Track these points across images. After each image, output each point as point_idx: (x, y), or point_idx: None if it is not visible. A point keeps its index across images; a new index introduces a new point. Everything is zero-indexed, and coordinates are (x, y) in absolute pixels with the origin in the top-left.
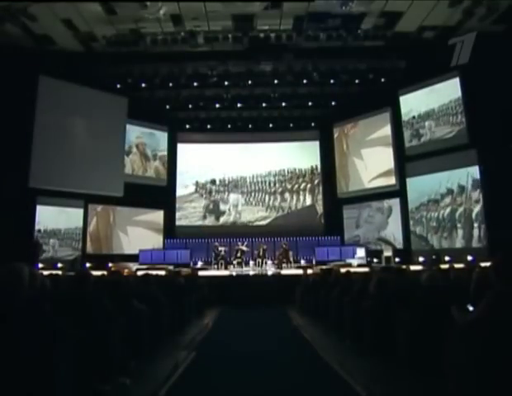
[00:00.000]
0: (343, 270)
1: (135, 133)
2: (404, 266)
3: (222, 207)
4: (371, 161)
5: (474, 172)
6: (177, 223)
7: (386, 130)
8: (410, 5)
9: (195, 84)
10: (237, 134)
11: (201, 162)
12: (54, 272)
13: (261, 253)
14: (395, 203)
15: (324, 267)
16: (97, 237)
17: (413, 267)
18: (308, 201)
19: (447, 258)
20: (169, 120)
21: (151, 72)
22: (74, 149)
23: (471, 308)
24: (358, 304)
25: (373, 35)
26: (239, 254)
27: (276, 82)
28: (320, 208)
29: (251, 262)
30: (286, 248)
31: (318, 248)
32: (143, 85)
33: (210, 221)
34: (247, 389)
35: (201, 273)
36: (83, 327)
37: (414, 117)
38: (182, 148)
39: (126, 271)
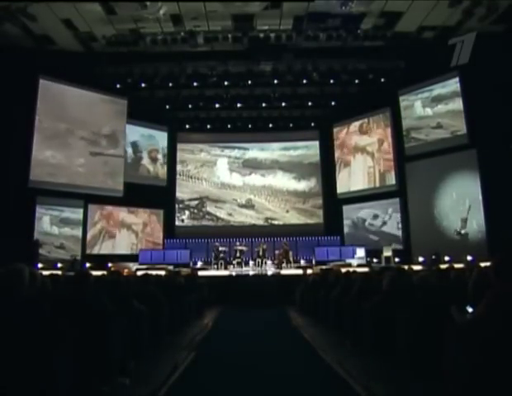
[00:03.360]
0: (343, 270)
1: (136, 133)
2: (406, 267)
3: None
4: (370, 161)
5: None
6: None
7: (387, 130)
8: (410, 5)
9: (195, 84)
10: (237, 134)
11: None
12: (54, 272)
13: (261, 253)
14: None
15: (324, 267)
16: (97, 237)
17: (415, 267)
18: (307, 201)
19: (446, 258)
20: (169, 120)
21: (151, 72)
22: (74, 149)
23: (470, 310)
24: (358, 304)
25: (373, 35)
26: (238, 254)
27: (276, 82)
28: (319, 208)
29: (251, 262)
30: (287, 248)
31: (318, 248)
32: (143, 85)
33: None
34: (246, 390)
35: (200, 273)
36: (83, 328)
37: (413, 117)
38: (182, 148)
39: (126, 270)
